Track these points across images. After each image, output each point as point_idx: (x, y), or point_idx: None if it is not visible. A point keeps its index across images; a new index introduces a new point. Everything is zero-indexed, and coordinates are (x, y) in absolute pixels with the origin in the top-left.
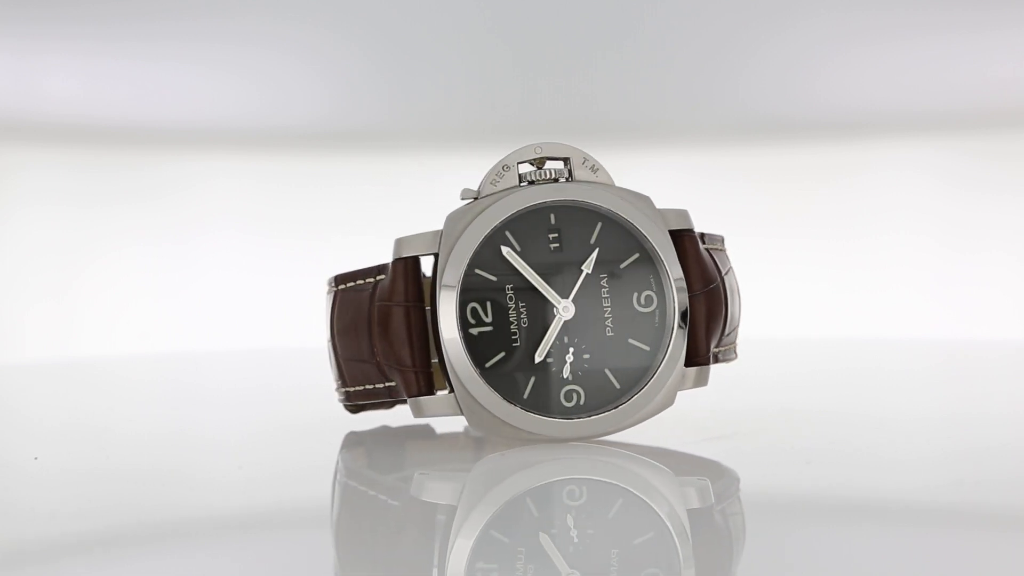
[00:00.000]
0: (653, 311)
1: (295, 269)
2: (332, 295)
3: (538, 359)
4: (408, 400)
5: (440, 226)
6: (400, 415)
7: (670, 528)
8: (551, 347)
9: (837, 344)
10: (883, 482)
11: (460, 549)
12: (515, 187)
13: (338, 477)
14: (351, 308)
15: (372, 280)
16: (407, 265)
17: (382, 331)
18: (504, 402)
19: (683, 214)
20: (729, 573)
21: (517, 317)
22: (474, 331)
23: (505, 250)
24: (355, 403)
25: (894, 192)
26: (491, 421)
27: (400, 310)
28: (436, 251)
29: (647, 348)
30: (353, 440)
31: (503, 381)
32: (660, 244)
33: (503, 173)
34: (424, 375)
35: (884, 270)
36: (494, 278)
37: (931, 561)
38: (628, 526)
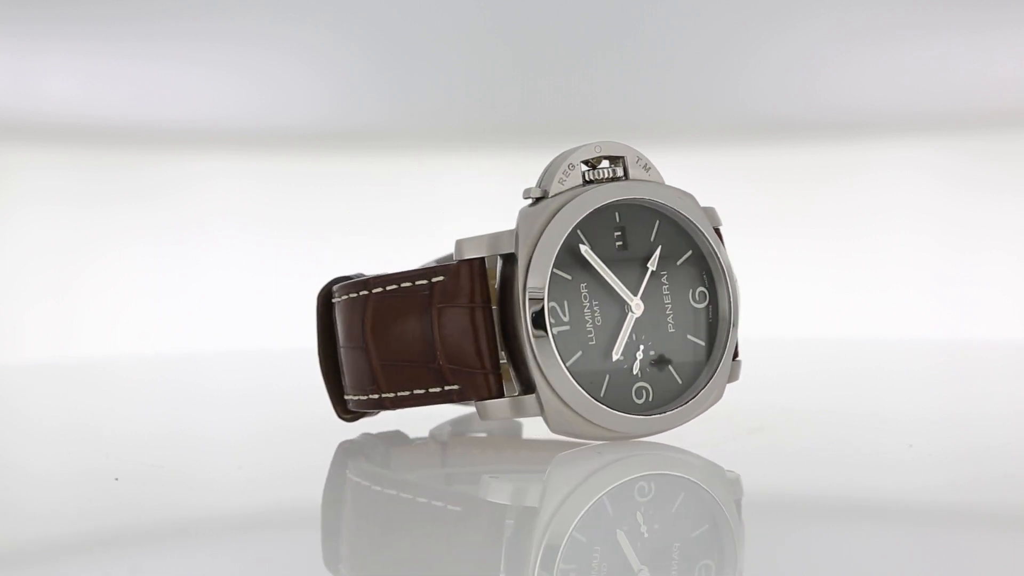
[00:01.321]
0: (706, 307)
1: (295, 269)
2: (361, 298)
3: (615, 357)
4: (476, 403)
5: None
6: (377, 421)
7: (728, 519)
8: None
9: (837, 344)
10: (883, 482)
11: (549, 550)
12: (581, 186)
13: (349, 480)
14: (396, 311)
15: (426, 282)
16: (473, 267)
17: (449, 333)
18: (591, 399)
19: (715, 212)
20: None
21: (591, 316)
22: (554, 330)
23: (584, 249)
24: (391, 408)
25: (894, 192)
26: (573, 420)
27: (467, 311)
28: (509, 251)
29: (703, 343)
30: (349, 447)
31: (583, 379)
32: (713, 241)
33: (569, 172)
34: (495, 377)
35: (884, 270)
36: (569, 277)
37: (931, 561)
38: (688, 520)
